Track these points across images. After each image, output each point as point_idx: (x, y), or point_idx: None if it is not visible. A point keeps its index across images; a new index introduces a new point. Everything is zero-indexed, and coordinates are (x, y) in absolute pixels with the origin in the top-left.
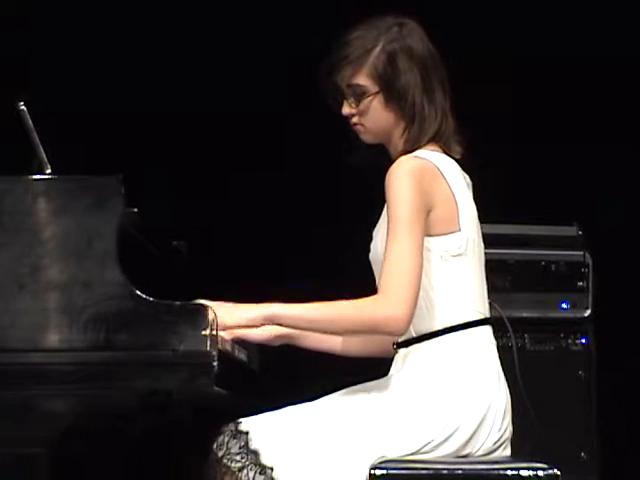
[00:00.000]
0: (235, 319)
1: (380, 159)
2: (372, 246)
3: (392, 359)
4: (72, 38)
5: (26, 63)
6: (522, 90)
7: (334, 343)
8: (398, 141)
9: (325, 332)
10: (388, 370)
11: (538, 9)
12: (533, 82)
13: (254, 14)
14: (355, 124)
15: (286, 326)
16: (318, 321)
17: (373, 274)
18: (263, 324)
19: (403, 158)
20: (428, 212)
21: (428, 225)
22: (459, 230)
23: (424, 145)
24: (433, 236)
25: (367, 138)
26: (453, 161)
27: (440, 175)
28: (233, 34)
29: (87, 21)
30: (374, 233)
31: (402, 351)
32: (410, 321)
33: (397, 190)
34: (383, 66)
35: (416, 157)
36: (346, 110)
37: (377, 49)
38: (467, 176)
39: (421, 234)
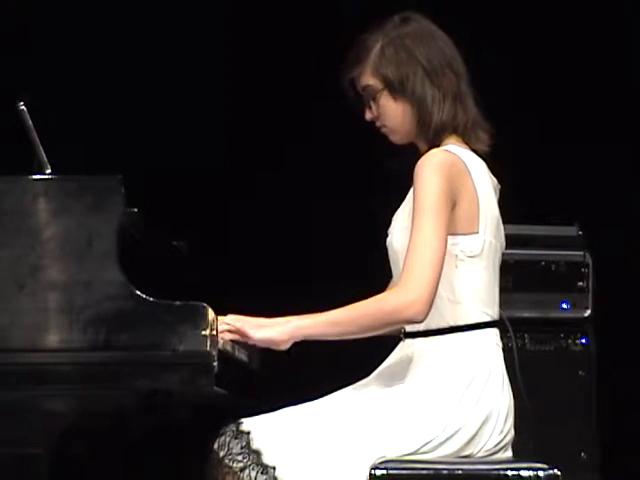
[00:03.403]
0: (262, 336)
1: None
2: (389, 231)
3: (394, 345)
4: (72, 38)
5: (26, 63)
6: (523, 90)
7: None
8: (418, 133)
9: (350, 334)
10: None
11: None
12: (535, 82)
13: (253, 15)
14: (380, 127)
15: (311, 336)
16: (341, 323)
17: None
18: (289, 340)
19: (434, 150)
20: (453, 206)
21: (449, 222)
22: (477, 232)
23: (447, 137)
24: (452, 235)
25: (396, 139)
26: (482, 162)
27: (467, 173)
28: (233, 35)
29: (87, 21)
30: (393, 218)
31: (408, 341)
32: (429, 308)
33: (425, 180)
34: (381, 62)
35: (447, 151)
36: (367, 115)
37: (376, 47)
38: (495, 179)
39: (446, 224)
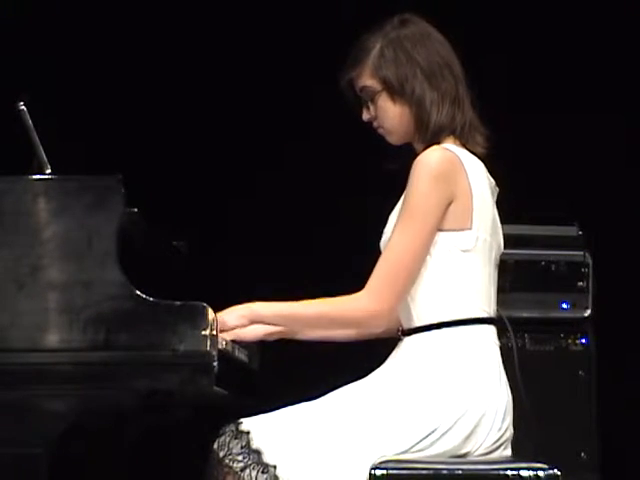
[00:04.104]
0: (230, 325)
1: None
2: (384, 231)
3: (394, 345)
4: (72, 38)
5: (26, 63)
6: (524, 90)
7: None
8: (416, 135)
9: (307, 329)
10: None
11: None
12: (536, 82)
13: (253, 15)
14: (377, 128)
15: (268, 323)
16: (300, 319)
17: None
18: (250, 323)
19: (432, 148)
20: (449, 204)
21: (442, 221)
22: (470, 228)
23: (444, 139)
24: (444, 231)
25: (392, 139)
26: (480, 162)
27: (462, 170)
28: (233, 35)
29: (87, 21)
30: (390, 217)
31: (405, 339)
32: (390, 318)
33: (419, 183)
34: (380, 63)
35: (444, 148)
36: (365, 116)
37: (376, 49)
38: (493, 181)
39: (429, 232)
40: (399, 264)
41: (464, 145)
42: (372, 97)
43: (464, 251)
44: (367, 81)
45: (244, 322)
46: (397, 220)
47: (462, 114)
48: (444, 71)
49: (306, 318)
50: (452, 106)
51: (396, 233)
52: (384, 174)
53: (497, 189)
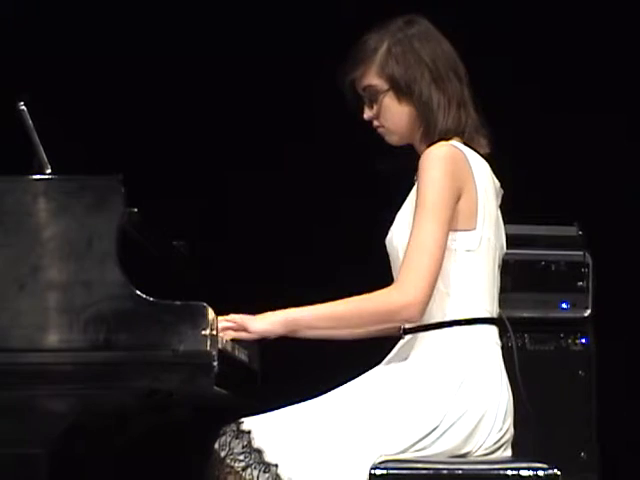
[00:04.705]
0: (255, 330)
1: (411, 164)
2: (391, 229)
3: (395, 343)
4: (72, 38)
5: (26, 63)
6: (524, 89)
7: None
8: (420, 136)
9: (343, 330)
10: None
11: None
12: (535, 80)
13: (252, 15)
14: (377, 127)
15: (303, 329)
16: (333, 319)
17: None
18: (283, 331)
19: (438, 144)
20: (457, 200)
21: (452, 218)
22: (474, 228)
23: (449, 138)
24: (451, 231)
25: (392, 139)
26: (485, 163)
27: (468, 168)
28: (233, 38)
29: (87, 21)
30: (397, 216)
31: (407, 337)
32: (424, 308)
33: (430, 176)
34: (388, 62)
35: (451, 144)
36: (366, 114)
37: (383, 47)
38: (497, 182)
39: (447, 222)
40: (427, 253)
41: (469, 146)
42: (377, 96)
43: (468, 251)
44: (373, 80)
45: (278, 329)
46: (415, 213)
47: (467, 117)
48: (450, 73)
49: (348, 316)
50: (458, 109)
51: (417, 224)
52: (378, 174)
53: (502, 191)
